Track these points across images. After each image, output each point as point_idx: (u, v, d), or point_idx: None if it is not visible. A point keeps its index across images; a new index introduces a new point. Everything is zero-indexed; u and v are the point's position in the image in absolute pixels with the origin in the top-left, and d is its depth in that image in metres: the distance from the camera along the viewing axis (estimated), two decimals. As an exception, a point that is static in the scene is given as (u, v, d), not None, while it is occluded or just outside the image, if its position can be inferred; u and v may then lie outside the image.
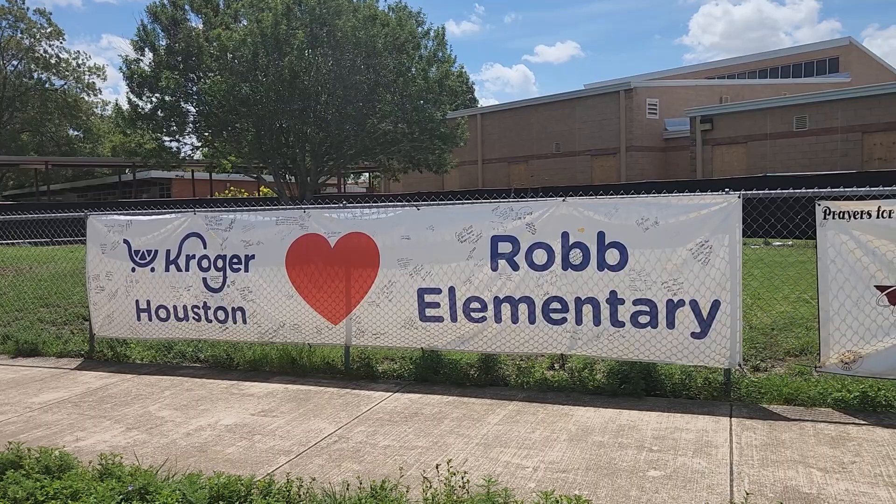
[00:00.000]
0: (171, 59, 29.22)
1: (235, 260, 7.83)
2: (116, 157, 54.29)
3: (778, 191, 6.07)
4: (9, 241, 15.36)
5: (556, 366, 7.24)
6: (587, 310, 6.54)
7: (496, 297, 6.82)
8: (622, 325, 6.41)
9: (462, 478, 4.07)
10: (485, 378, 6.91)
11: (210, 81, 26.76)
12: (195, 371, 7.80)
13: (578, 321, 6.59)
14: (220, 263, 7.90)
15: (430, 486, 3.99)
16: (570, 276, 6.57)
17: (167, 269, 8.12)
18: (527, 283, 6.70)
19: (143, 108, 30.19)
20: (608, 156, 36.84)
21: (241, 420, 5.95)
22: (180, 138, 31.64)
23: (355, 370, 7.38)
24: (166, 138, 31.49)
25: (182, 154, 32.43)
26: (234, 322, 7.86)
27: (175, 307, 8.12)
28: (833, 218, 5.69)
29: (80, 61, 63.10)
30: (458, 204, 7.09)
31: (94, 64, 74.07)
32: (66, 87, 61.96)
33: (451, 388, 6.71)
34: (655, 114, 36.61)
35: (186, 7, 30.02)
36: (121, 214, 8.55)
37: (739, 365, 6.21)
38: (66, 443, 5.39)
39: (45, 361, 8.50)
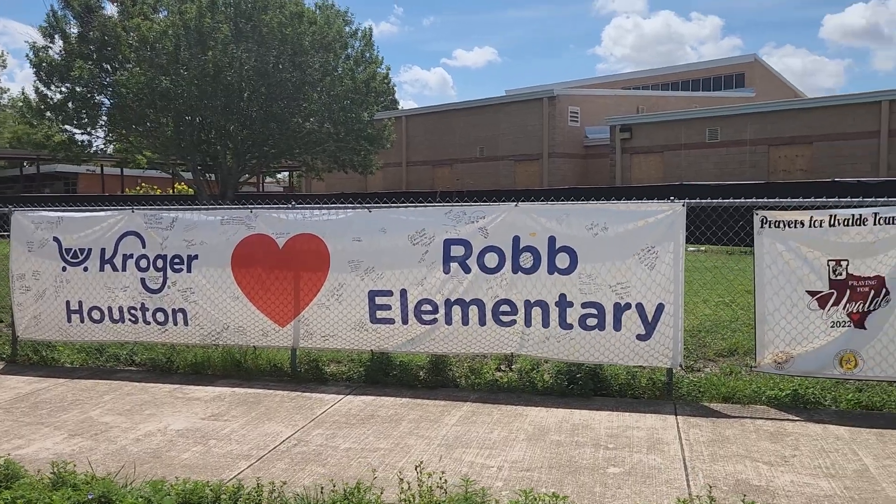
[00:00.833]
0: (83, 47, 27.89)
1: (177, 260, 7.58)
2: (17, 148, 51.17)
3: (719, 200, 6.43)
4: None
5: (504, 367, 7.39)
6: (536, 312, 6.71)
7: (447, 300, 6.90)
8: (570, 327, 6.61)
9: (440, 478, 4.12)
10: (435, 380, 6.97)
11: (127, 73, 25.68)
12: (133, 375, 7.51)
13: (528, 323, 6.74)
14: (160, 263, 7.64)
15: (409, 488, 4.01)
16: (520, 280, 6.71)
17: (102, 269, 7.78)
18: (478, 286, 6.81)
19: (52, 99, 28.69)
20: (531, 161, 37.61)
21: (191, 425, 5.79)
22: (92, 131, 30.23)
23: (303, 373, 7.30)
24: (77, 131, 30.03)
25: (94, 148, 30.99)
26: (175, 324, 7.62)
27: (110, 308, 7.79)
28: (769, 227, 6.06)
29: (-24, 46, 59.17)
30: (411, 206, 7.13)
31: (-8, 49, 69.63)
32: (-40, 72, 57.95)
33: (403, 390, 6.74)
34: (577, 121, 37.66)
35: (102, -6, 28.70)
36: (50, 211, 8.13)
37: (681, 365, 6.52)
38: (4, 451, 5.09)
39: (-37, 366, 7.97)
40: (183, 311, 7.58)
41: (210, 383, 7.10)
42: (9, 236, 8.20)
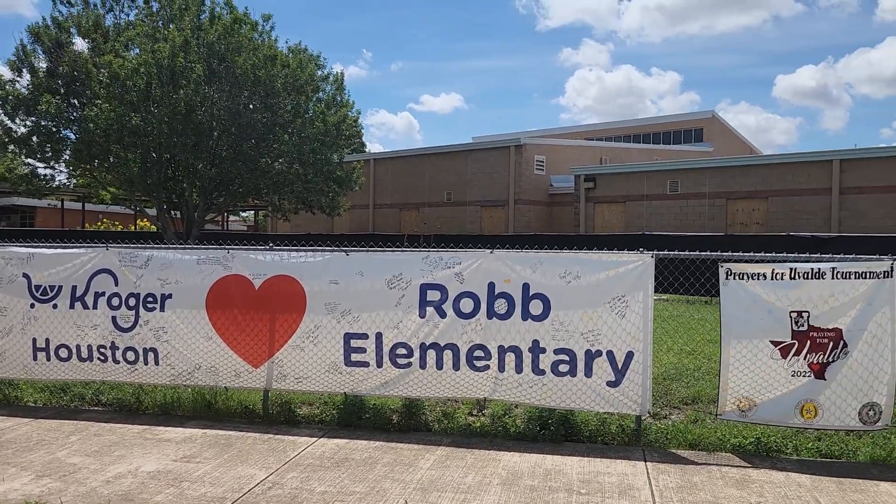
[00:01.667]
0: (52, 82, 27.68)
1: (150, 299, 7.55)
2: (-26, 180, 50.00)
3: (686, 252, 6.70)
4: None
5: (476, 412, 7.46)
6: (510, 358, 6.83)
7: (423, 344, 6.98)
8: (543, 372, 6.74)
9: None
10: (408, 423, 7.01)
11: (97, 109, 25.54)
12: (99, 415, 7.38)
13: (501, 368, 6.86)
14: (132, 302, 7.59)
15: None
16: (494, 325, 6.85)
17: (72, 307, 7.70)
18: (453, 331, 6.92)
19: (15, 132, 28.30)
20: (497, 207, 38.14)
21: (163, 466, 5.72)
22: (55, 165, 29.81)
23: (275, 415, 7.27)
24: (40, 164, 29.59)
25: (56, 182, 30.53)
26: (146, 363, 7.54)
27: (78, 347, 7.68)
28: (734, 278, 6.33)
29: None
30: (388, 251, 7.25)
31: (-46, 79, 68.39)
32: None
33: (376, 434, 6.76)
34: (542, 170, 38.44)
35: (73, 30, 28.66)
36: (20, 247, 8.04)
37: (649, 412, 6.68)
38: (-31, 492, 4.99)
39: (-80, 403, 7.74)
40: (154, 350, 7.52)
41: (180, 424, 7.02)
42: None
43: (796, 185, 29.07)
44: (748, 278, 6.31)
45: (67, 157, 29.52)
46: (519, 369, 6.80)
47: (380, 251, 7.26)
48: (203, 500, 5.01)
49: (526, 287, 6.81)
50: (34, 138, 27.88)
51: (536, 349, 6.75)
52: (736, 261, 6.40)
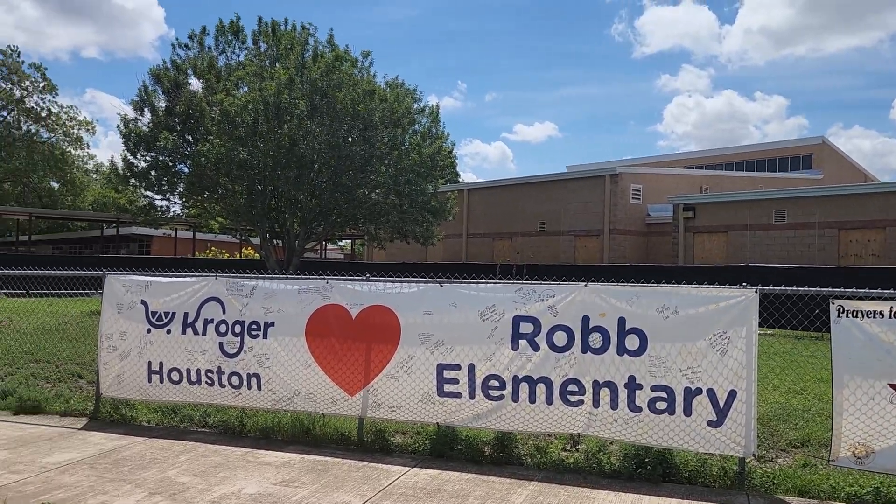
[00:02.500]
0: (169, 120, 29.70)
1: (254, 326, 7.91)
2: (98, 210, 54.01)
3: (794, 288, 6.39)
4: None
5: (569, 446, 7.33)
6: (605, 393, 6.70)
7: (515, 377, 6.96)
8: (639, 409, 6.57)
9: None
10: (500, 456, 6.98)
11: (209, 144, 27.16)
12: (206, 436, 7.74)
13: (596, 404, 6.73)
14: (237, 329, 7.98)
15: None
16: (589, 359, 6.75)
17: (184, 332, 8.17)
18: (546, 364, 6.87)
19: (137, 166, 30.47)
20: (592, 237, 37.59)
21: (263, 489, 5.94)
22: (171, 197, 31.84)
23: (369, 443, 7.40)
24: (157, 196, 31.68)
25: (171, 213, 32.58)
26: (249, 388, 7.88)
27: (189, 370, 8.13)
28: (847, 316, 5.98)
29: (70, 114, 63.59)
30: (482, 283, 7.30)
31: (84, 118, 74.46)
32: (53, 139, 62.13)
33: (468, 465, 6.76)
34: (639, 199, 37.65)
35: (189, 71, 30.72)
36: (140, 275, 8.63)
37: (754, 454, 6.37)
38: (90, 506, 5.34)
39: (49, 420, 8.37)
40: (257, 375, 7.85)
41: (279, 448, 7.27)
42: (94, 294, 8.70)
43: (918, 214, 27.16)
44: (863, 316, 5.95)
45: (181, 190, 31.49)
46: (614, 405, 6.65)
47: (473, 282, 7.32)
48: (300, 524, 5.15)
49: (622, 321, 6.68)
50: (153, 172, 29.92)
51: (633, 385, 6.60)
52: (849, 297, 6.06)
